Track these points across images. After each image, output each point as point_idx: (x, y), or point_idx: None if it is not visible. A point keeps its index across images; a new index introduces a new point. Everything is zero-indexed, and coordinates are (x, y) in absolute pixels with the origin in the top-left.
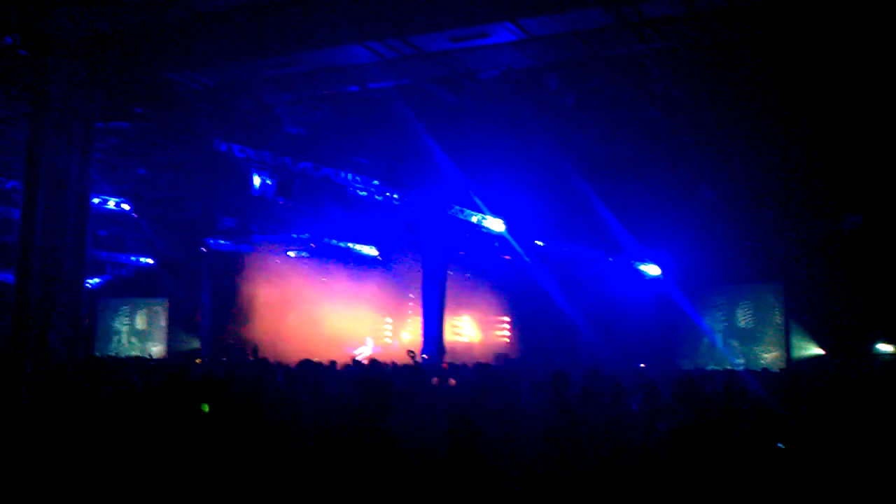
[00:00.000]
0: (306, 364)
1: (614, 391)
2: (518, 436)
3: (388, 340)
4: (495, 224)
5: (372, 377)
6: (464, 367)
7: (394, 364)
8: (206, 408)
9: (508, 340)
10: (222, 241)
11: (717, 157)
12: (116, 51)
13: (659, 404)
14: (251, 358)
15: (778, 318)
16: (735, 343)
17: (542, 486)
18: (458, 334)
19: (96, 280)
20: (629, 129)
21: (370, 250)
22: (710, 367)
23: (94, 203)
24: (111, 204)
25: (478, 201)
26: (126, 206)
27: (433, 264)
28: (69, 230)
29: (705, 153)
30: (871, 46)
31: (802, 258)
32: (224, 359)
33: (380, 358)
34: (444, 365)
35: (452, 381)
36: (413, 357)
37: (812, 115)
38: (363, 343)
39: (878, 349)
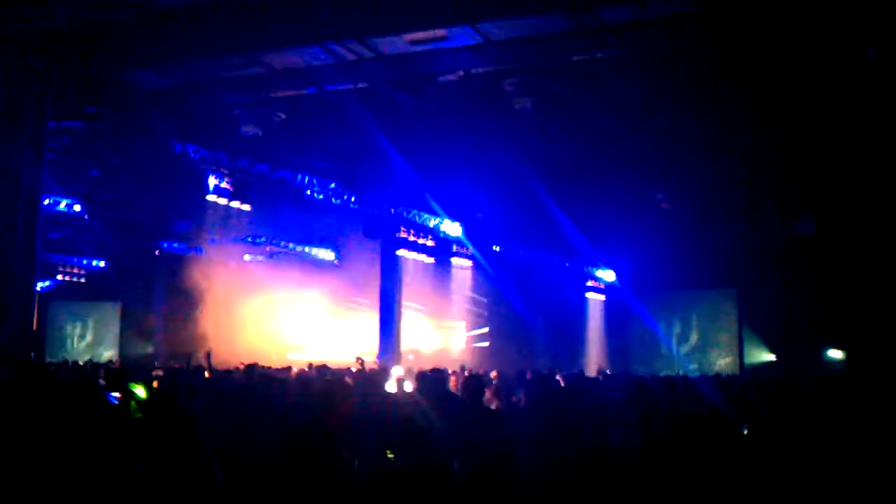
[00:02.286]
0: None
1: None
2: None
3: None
4: (453, 228)
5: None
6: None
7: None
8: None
9: (465, 345)
10: (176, 244)
11: (672, 164)
12: (70, 47)
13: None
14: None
15: (732, 325)
16: (689, 348)
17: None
18: (415, 339)
19: (47, 283)
20: (586, 135)
21: (327, 253)
22: (665, 372)
23: (44, 204)
24: (62, 205)
25: (435, 205)
26: (78, 208)
27: (390, 268)
28: (19, 230)
29: (661, 159)
30: (826, 55)
31: (756, 265)
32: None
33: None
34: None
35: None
36: (362, 364)
37: (767, 123)
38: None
39: (828, 355)
